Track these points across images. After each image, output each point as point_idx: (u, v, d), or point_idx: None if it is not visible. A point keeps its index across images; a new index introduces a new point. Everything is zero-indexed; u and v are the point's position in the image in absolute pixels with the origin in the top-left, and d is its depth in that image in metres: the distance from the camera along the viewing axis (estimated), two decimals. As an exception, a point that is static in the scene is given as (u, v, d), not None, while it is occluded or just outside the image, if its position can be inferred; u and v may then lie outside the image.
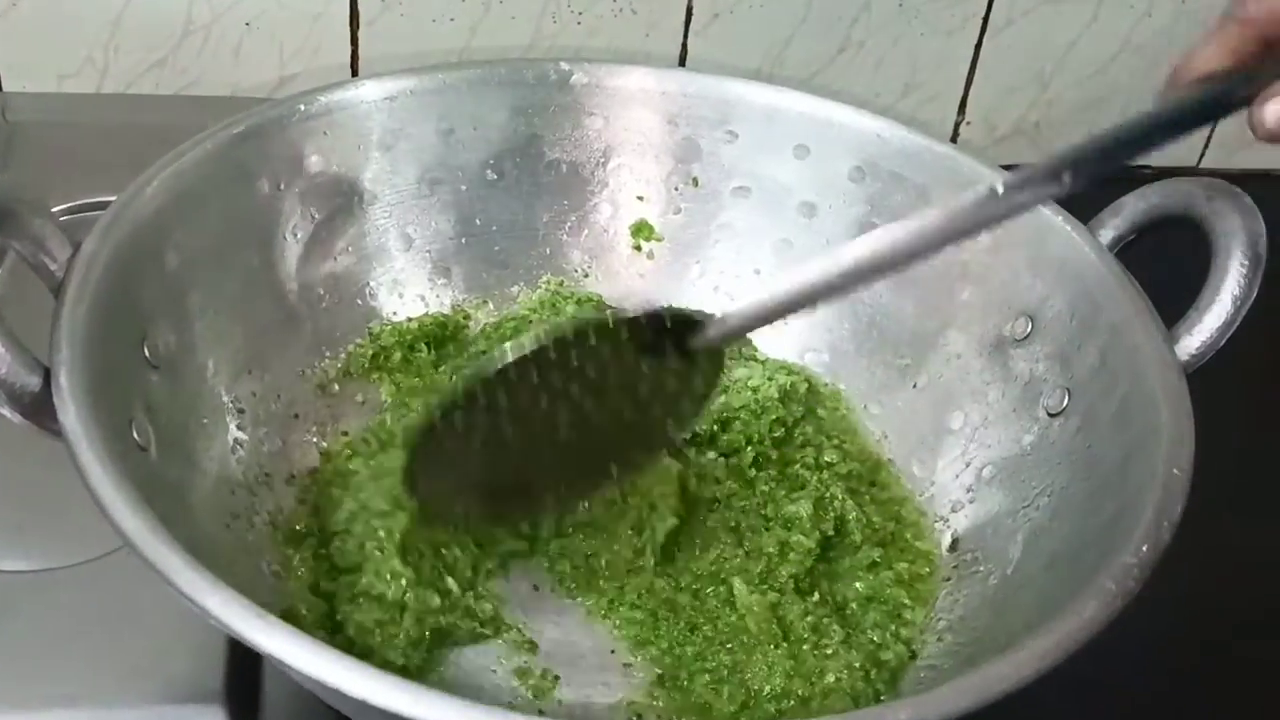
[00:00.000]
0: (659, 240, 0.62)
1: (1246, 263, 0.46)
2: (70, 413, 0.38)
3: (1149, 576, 0.38)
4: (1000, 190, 0.38)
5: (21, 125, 0.70)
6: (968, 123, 0.81)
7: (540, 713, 0.45)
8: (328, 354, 0.56)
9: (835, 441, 0.55)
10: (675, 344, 0.44)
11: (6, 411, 0.39)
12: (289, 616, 0.44)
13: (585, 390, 0.44)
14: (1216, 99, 0.39)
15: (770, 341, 0.60)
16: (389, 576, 0.45)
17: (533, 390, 0.44)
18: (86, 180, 0.60)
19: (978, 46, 0.78)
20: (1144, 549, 0.38)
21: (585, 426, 0.45)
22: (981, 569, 0.49)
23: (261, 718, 0.45)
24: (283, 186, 0.54)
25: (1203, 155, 0.85)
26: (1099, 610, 0.36)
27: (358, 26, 0.71)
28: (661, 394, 0.46)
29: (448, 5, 0.71)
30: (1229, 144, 0.84)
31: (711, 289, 0.62)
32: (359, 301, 0.58)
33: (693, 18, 0.73)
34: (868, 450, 0.56)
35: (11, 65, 0.71)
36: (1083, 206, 0.53)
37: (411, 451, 0.44)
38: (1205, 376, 0.47)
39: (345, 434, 0.54)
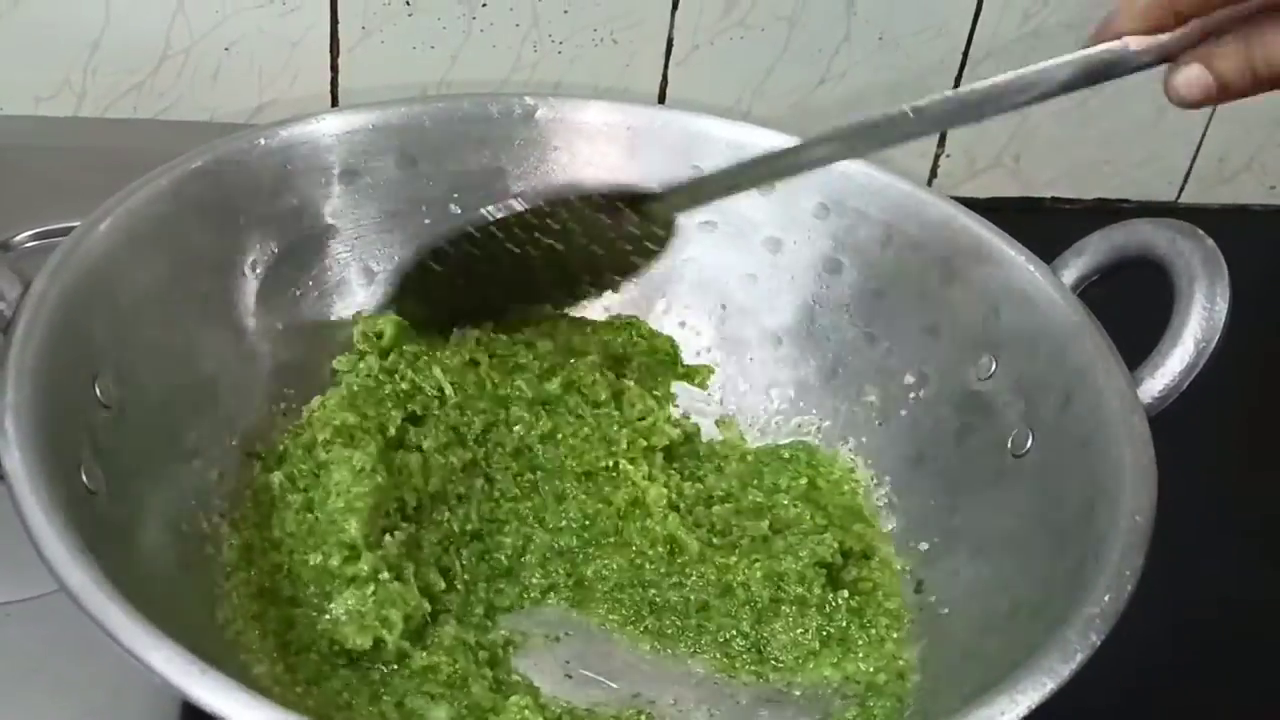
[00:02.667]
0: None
1: (1208, 305, 0.46)
2: (15, 457, 0.37)
3: (1111, 629, 0.38)
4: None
5: (-2, 149, 0.69)
6: (947, 155, 0.81)
7: None
8: (289, 391, 0.55)
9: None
10: (632, 208, 0.53)
11: (-51, 455, 0.38)
12: (245, 669, 0.43)
13: (552, 237, 0.53)
14: (1122, 58, 0.40)
15: (734, 376, 0.60)
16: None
17: (506, 237, 0.52)
18: (61, 205, 0.59)
19: (958, 79, 0.78)
20: (1106, 599, 0.38)
21: (550, 261, 0.54)
22: (947, 611, 0.49)
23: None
24: (241, 221, 0.54)
25: (1182, 190, 0.85)
26: (1060, 663, 0.36)
27: (337, 53, 0.71)
28: (618, 243, 0.54)
29: (428, 33, 0.70)
30: (1207, 179, 0.84)
31: (678, 323, 0.62)
32: (319, 336, 0.57)
33: (673, 48, 0.73)
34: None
35: (-12, 87, 0.70)
36: (1046, 246, 0.53)
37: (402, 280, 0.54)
38: (1170, 419, 0.47)
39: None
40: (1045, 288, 0.51)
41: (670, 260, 0.61)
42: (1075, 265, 0.52)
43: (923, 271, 0.56)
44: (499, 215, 0.52)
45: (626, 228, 0.53)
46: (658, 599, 0.51)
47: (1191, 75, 0.39)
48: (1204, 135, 0.83)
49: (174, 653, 0.32)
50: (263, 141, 0.54)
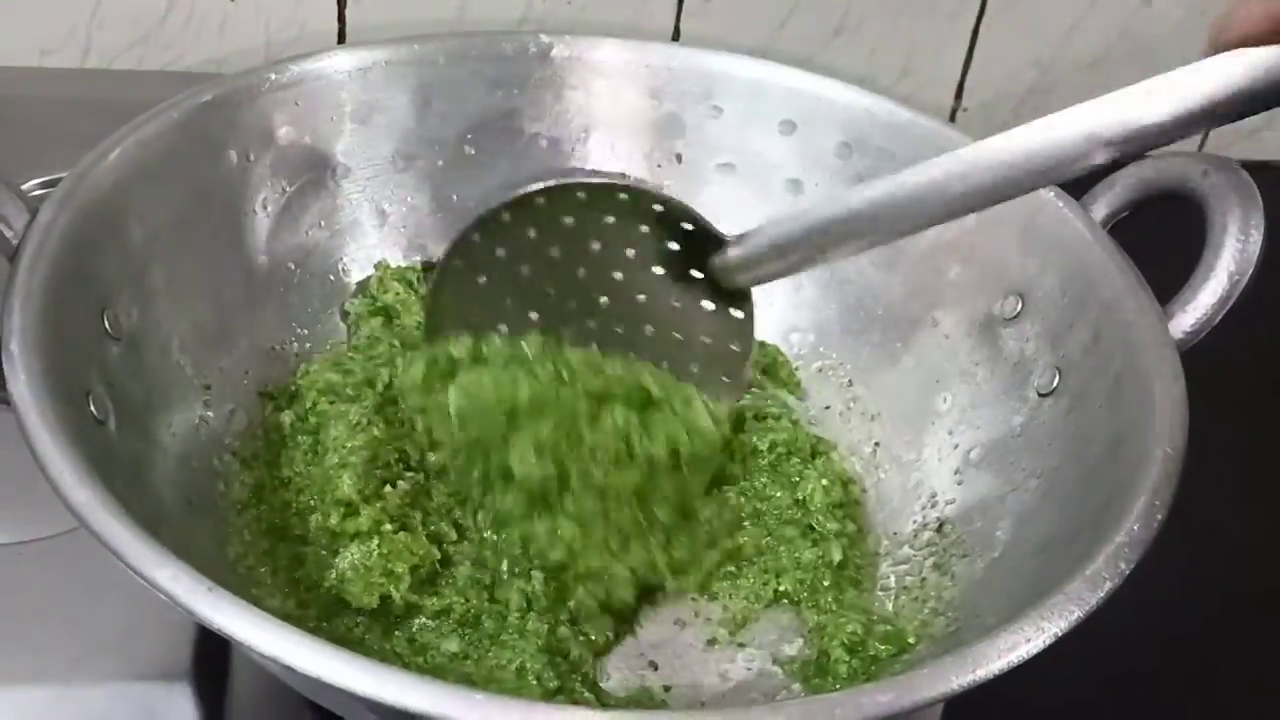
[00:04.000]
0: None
1: (1243, 238, 0.45)
2: (20, 380, 0.37)
3: (1140, 558, 0.37)
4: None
5: (2, 100, 0.69)
6: (964, 109, 0.79)
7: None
8: (301, 330, 0.54)
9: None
10: (697, 263, 0.46)
11: (-45, 380, 0.38)
12: (257, 604, 0.42)
13: (600, 269, 0.46)
14: (1259, 90, 0.32)
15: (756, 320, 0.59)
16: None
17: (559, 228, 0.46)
18: (66, 155, 0.59)
19: (975, 31, 0.77)
20: (1135, 528, 0.37)
21: (604, 321, 0.47)
22: (969, 553, 0.47)
23: (230, 696, 0.44)
24: (252, 158, 0.53)
25: (1202, 145, 0.83)
26: (1087, 591, 0.35)
27: (344, 4, 0.69)
28: (691, 334, 0.47)
29: (436, -18, 0.69)
30: (1227, 134, 0.82)
31: (694, 269, 0.61)
32: (331, 278, 0.56)
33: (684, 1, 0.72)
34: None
35: (-5, 39, 0.69)
36: (1074, 182, 0.52)
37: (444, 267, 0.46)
38: (1200, 356, 0.46)
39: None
40: (1074, 223, 0.50)
41: (688, 203, 0.60)
42: (1105, 201, 0.50)
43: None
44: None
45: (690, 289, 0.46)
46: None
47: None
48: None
49: (181, 570, 0.32)
50: (274, 77, 0.53)
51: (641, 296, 0.47)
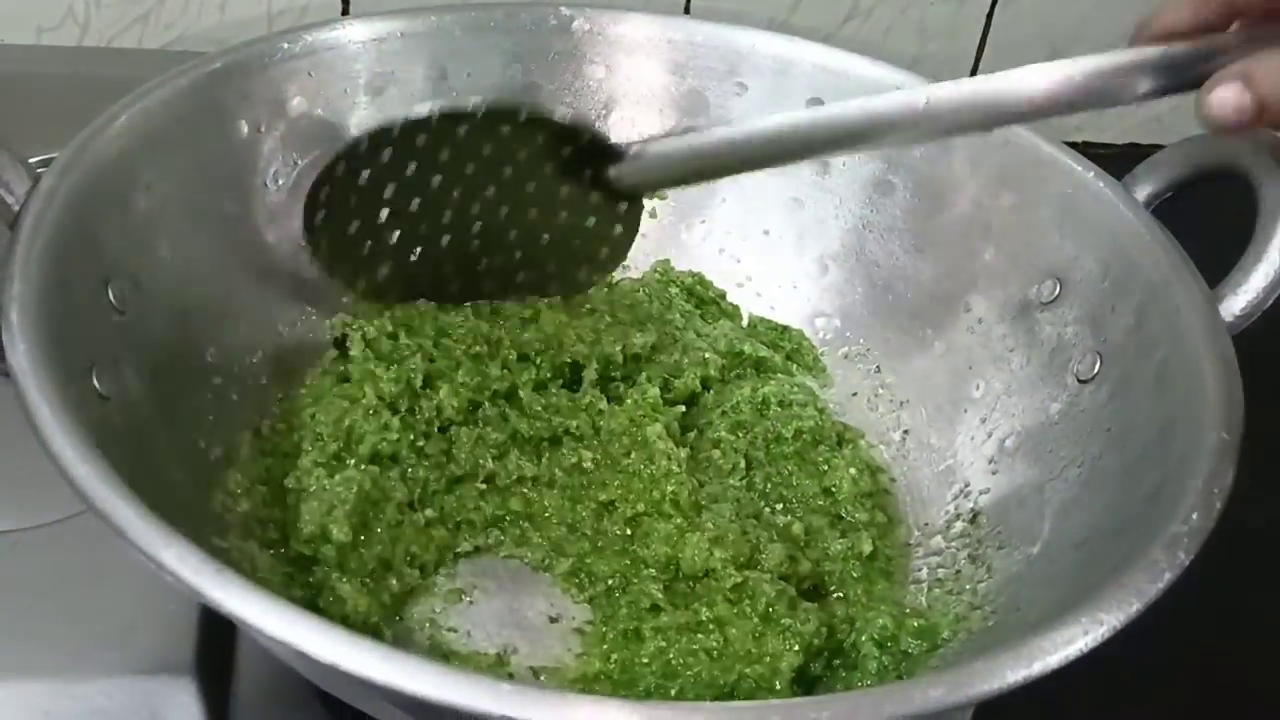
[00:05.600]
0: (662, 198, 0.59)
1: (1297, 217, 0.43)
2: (20, 351, 0.35)
3: (1200, 548, 0.35)
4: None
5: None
6: (974, 96, 0.78)
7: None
8: (309, 308, 0.52)
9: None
10: (592, 169, 0.48)
11: (-48, 351, 0.36)
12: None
13: (495, 181, 0.48)
14: (1167, 67, 0.37)
15: (777, 305, 0.58)
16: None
17: (441, 160, 0.47)
18: (64, 132, 0.57)
19: (989, 16, 0.75)
20: (1194, 517, 0.35)
21: (494, 221, 0.49)
22: (1006, 545, 0.46)
23: (234, 690, 0.43)
24: (263, 129, 0.51)
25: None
26: (1146, 582, 0.33)
27: (349, -18, 0.68)
28: (576, 223, 0.50)
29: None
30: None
31: (717, 250, 0.59)
32: (342, 255, 0.54)
33: (699, -20, 0.70)
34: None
35: (-10, 16, 0.68)
36: (1116, 162, 0.50)
37: (314, 190, 0.47)
38: (1249, 341, 0.44)
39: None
40: (1114, 204, 0.48)
41: (711, 184, 0.59)
42: (1149, 181, 0.49)
43: (981, 191, 0.53)
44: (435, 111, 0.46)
45: (583, 191, 0.49)
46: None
47: (1227, 95, 0.35)
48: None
49: (188, 550, 0.30)
50: (286, 46, 0.51)
51: (531, 188, 0.49)
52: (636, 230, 0.52)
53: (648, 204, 0.59)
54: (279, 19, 0.70)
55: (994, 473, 0.49)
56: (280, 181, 0.52)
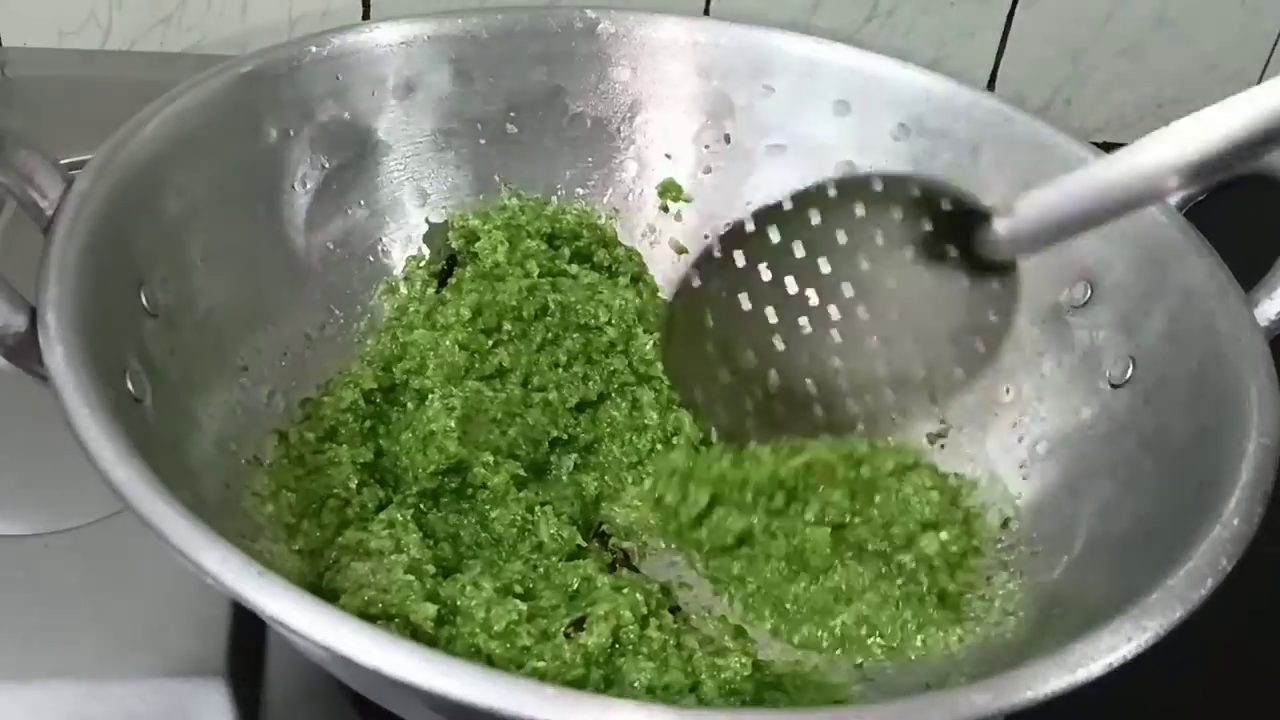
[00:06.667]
0: (687, 201, 0.59)
1: (1333, 220, 0.43)
2: (57, 354, 0.35)
3: (1241, 554, 0.34)
4: None
5: (21, 80, 0.67)
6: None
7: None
8: (338, 312, 0.52)
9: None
10: (955, 239, 0.40)
11: (-11, 353, 0.36)
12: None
13: (850, 277, 0.41)
14: None
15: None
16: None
17: (795, 258, 0.40)
18: (87, 136, 0.57)
19: (1010, 17, 0.75)
20: (1235, 523, 0.35)
21: (852, 330, 0.41)
22: (1039, 550, 0.45)
23: (265, 693, 0.42)
24: (292, 132, 0.51)
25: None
26: (1189, 589, 0.33)
27: (371, -18, 0.68)
28: (945, 311, 0.41)
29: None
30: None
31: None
32: (370, 259, 0.54)
33: (718, -20, 0.70)
34: None
35: (12, 19, 0.68)
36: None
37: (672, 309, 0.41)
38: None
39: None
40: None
41: (737, 186, 0.58)
42: (1181, 183, 0.48)
43: (1009, 192, 0.51)
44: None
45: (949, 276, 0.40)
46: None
47: None
48: (1261, 76, 0.79)
49: (230, 553, 0.30)
50: (314, 49, 0.51)
51: (891, 282, 0.41)
52: (1016, 311, 0.42)
53: (672, 206, 0.59)
54: (300, 23, 0.70)
55: (1025, 478, 0.49)
56: (308, 185, 0.52)
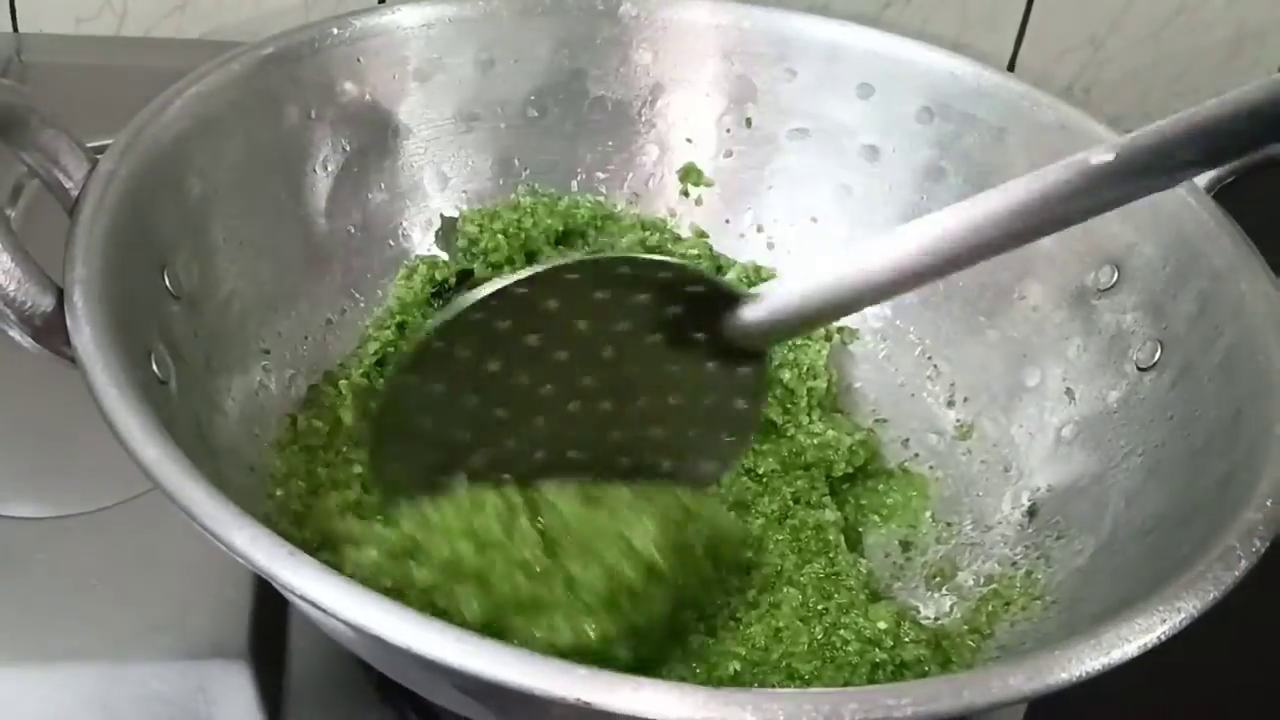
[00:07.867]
0: (709, 185, 0.59)
1: (1365, 203, 0.42)
2: (85, 334, 0.35)
3: (1276, 535, 0.34)
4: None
5: (37, 66, 0.67)
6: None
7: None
8: (358, 296, 0.52)
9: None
10: (703, 324, 0.40)
11: (16, 334, 0.36)
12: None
13: (589, 366, 0.40)
14: None
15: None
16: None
17: (521, 337, 0.39)
18: (104, 122, 0.57)
19: (1029, 5, 0.75)
20: (1268, 504, 0.35)
21: (589, 426, 0.41)
22: (1066, 536, 0.45)
23: (288, 675, 0.42)
24: (313, 115, 0.51)
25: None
26: (1223, 570, 0.33)
27: (387, -35, 0.68)
28: (692, 406, 0.41)
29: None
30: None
31: (765, 241, 0.58)
32: (391, 243, 0.54)
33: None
34: None
35: (29, 6, 0.68)
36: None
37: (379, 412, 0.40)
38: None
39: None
40: (1176, 189, 0.47)
41: (759, 170, 0.58)
42: (1210, 165, 0.48)
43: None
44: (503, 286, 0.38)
45: (696, 355, 0.40)
46: None
47: None
48: (1284, 64, 0.79)
49: (260, 532, 0.29)
50: (336, 31, 0.51)
51: (635, 368, 0.41)
52: (765, 400, 0.43)
53: (694, 191, 0.59)
54: (315, 7, 0.70)
55: (1052, 463, 0.48)
56: (330, 168, 0.52)
